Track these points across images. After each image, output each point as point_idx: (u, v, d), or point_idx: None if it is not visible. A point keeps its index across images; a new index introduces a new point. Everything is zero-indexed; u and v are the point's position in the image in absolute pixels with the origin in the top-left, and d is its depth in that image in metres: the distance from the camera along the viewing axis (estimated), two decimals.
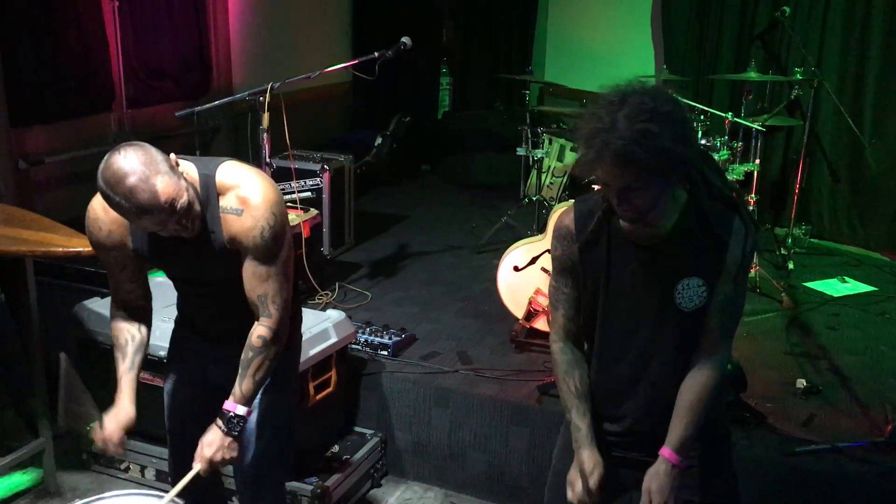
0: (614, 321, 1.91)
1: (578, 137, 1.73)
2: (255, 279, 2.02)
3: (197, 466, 2.05)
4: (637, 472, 1.91)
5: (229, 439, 2.04)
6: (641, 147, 1.63)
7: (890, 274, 4.77)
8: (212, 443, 2.04)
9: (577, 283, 1.93)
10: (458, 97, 7.51)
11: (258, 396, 2.15)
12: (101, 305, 3.30)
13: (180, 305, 2.31)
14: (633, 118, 1.64)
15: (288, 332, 2.11)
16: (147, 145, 1.88)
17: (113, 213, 1.97)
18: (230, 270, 2.03)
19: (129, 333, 2.18)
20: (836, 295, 4.41)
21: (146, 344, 2.20)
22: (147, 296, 2.23)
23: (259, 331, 2.05)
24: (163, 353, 2.87)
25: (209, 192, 1.98)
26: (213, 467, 2.05)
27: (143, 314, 2.21)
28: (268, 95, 3.42)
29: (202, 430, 2.07)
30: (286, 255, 2.05)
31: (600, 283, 1.89)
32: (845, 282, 4.60)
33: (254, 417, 2.19)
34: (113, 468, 3.30)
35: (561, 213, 1.97)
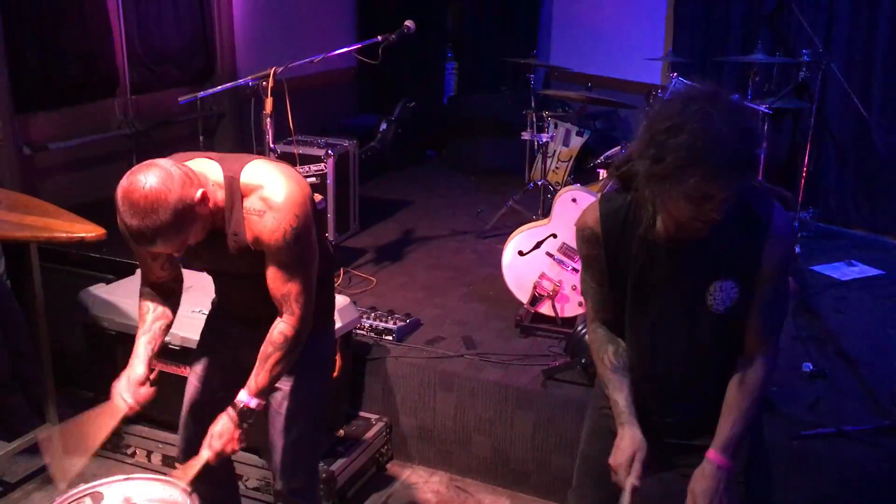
0: (644, 322, 1.87)
1: (659, 150, 1.56)
2: (279, 280, 2.01)
3: (205, 455, 2.05)
4: (678, 455, 1.89)
5: (239, 431, 2.04)
6: (744, 152, 1.55)
7: None
8: (222, 434, 2.04)
9: (603, 280, 1.89)
10: (463, 81, 7.46)
11: (292, 381, 2.16)
12: (106, 291, 3.31)
13: (216, 290, 2.31)
14: (731, 119, 1.54)
15: (310, 329, 2.10)
16: (164, 165, 1.85)
17: None
18: (256, 266, 2.03)
19: (151, 304, 2.18)
20: (843, 279, 4.39)
21: (169, 316, 2.20)
22: (178, 278, 2.24)
23: (281, 328, 2.05)
24: (174, 341, 2.90)
25: (234, 194, 1.96)
26: (221, 458, 2.05)
27: (170, 293, 2.22)
28: (271, 80, 3.39)
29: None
30: (309, 255, 2.04)
31: (628, 284, 1.84)
32: (853, 265, 4.57)
33: (288, 403, 2.20)
34: (119, 453, 3.31)
35: (584, 210, 1.90)
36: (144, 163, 1.86)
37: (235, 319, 2.26)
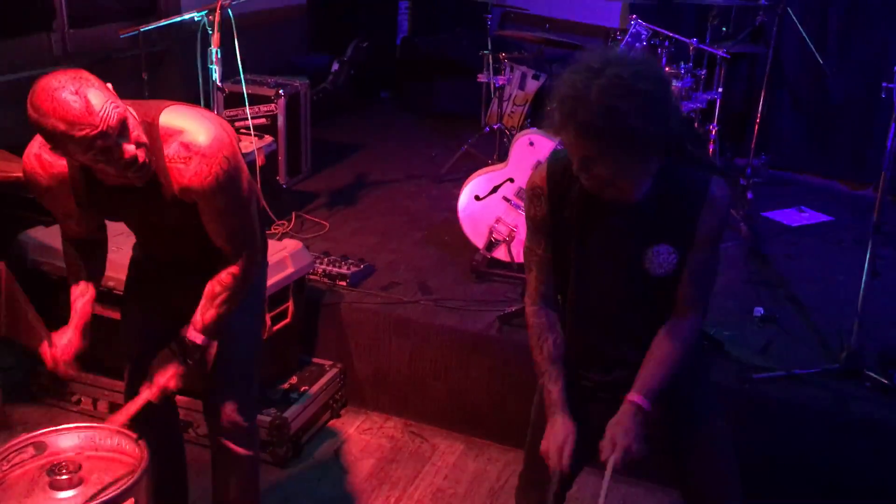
0: (586, 283, 1.89)
1: (553, 97, 1.67)
2: (217, 225, 1.93)
3: (146, 393, 1.99)
4: (602, 406, 1.92)
5: (183, 367, 1.99)
6: (605, 124, 1.57)
7: (847, 203, 4.81)
8: (165, 369, 1.98)
9: (549, 243, 1.89)
10: (417, 21, 7.29)
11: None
12: (45, 234, 3.17)
13: (140, 243, 2.21)
14: (604, 92, 1.57)
15: (258, 267, 2.04)
16: (80, 69, 1.73)
17: (51, 167, 1.86)
18: (184, 217, 1.92)
19: (80, 261, 2.08)
20: (793, 225, 4.44)
21: (99, 273, 2.12)
22: (101, 227, 2.12)
23: (230, 269, 1.98)
24: (112, 284, 2.78)
25: (153, 142, 1.82)
26: (164, 394, 1.99)
27: (95, 244, 2.12)
28: (217, 14, 3.25)
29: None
30: (245, 195, 1.95)
31: (571, 244, 1.85)
32: (803, 211, 4.63)
33: (223, 339, 2.12)
34: (64, 401, 3.23)
35: (533, 172, 1.92)
36: (65, 71, 1.71)
37: (165, 266, 2.16)
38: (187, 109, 1.89)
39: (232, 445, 2.25)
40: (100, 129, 1.67)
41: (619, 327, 1.92)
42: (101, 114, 1.67)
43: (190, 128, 1.84)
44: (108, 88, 1.74)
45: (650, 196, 1.78)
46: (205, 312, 1.99)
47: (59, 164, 1.89)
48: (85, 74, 1.71)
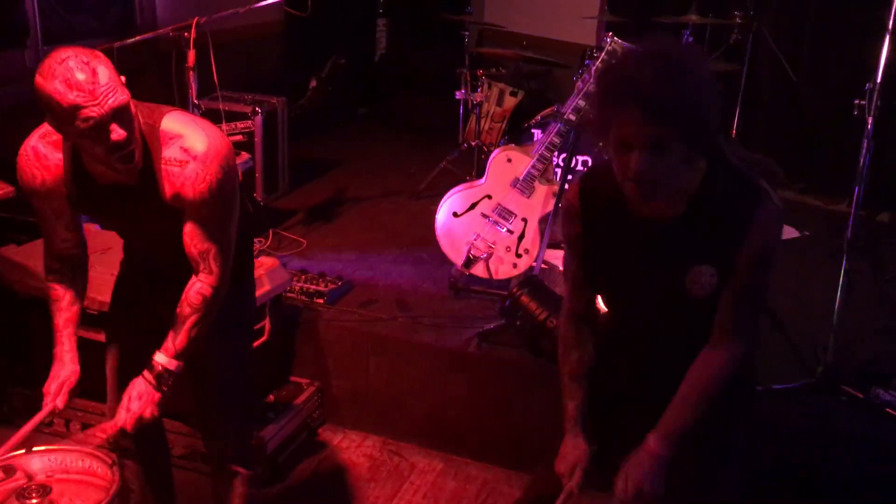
0: (621, 302, 1.84)
1: (600, 85, 1.62)
2: (197, 237, 1.90)
3: (121, 419, 1.95)
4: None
5: (158, 395, 1.94)
6: (675, 100, 1.52)
7: (822, 219, 4.86)
8: (140, 396, 1.93)
9: (584, 261, 1.86)
10: (395, 38, 7.31)
11: (217, 345, 2.06)
12: (17, 253, 3.13)
13: (125, 250, 2.18)
14: (667, 72, 1.53)
15: (227, 289, 1.99)
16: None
17: (46, 159, 1.85)
18: (169, 224, 1.90)
19: (64, 286, 2.05)
20: None
21: (83, 295, 2.09)
22: (82, 244, 2.09)
23: (198, 287, 1.93)
24: (86, 304, 2.75)
25: (152, 143, 1.82)
26: (139, 424, 1.95)
27: (78, 264, 2.09)
28: (193, 31, 3.23)
29: None
30: (232, 213, 1.93)
31: (605, 263, 1.81)
32: None
33: (215, 368, 2.12)
34: None
35: (567, 190, 1.88)
36: (84, 47, 1.72)
37: (148, 280, 2.13)
38: (190, 117, 1.90)
39: (229, 467, 2.24)
40: (98, 102, 1.68)
41: (656, 349, 1.84)
42: (103, 89, 1.68)
43: (190, 134, 1.85)
44: (119, 77, 1.75)
45: (692, 211, 1.68)
46: (175, 337, 1.95)
47: (55, 157, 1.89)
48: (102, 55, 1.72)
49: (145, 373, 1.95)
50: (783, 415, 2.83)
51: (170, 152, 1.83)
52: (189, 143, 1.83)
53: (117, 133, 1.72)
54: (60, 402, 2.00)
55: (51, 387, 2.01)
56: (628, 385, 1.91)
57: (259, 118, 4.49)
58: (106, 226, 2.07)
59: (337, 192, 4.95)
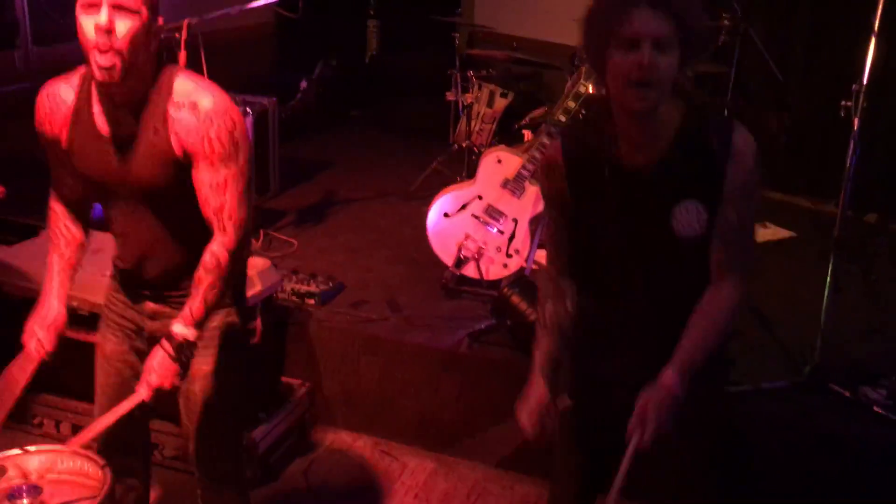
0: (607, 254, 1.82)
1: None
2: (212, 189, 1.83)
3: (141, 392, 1.88)
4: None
5: (176, 366, 1.87)
6: None
7: (810, 219, 4.89)
8: (160, 366, 1.86)
9: (565, 217, 1.85)
10: (385, 39, 7.33)
11: (206, 364, 2.02)
12: (7, 254, 3.12)
13: (118, 244, 2.11)
14: None
15: (246, 253, 1.94)
16: None
17: (57, 101, 1.87)
18: (165, 179, 1.85)
19: (65, 228, 2.02)
20: (757, 241, 4.49)
21: (79, 237, 2.05)
22: (88, 198, 2.06)
23: (214, 249, 1.87)
24: (76, 304, 2.75)
25: (162, 86, 1.80)
26: (158, 394, 1.89)
27: (80, 216, 2.05)
28: (184, 32, 3.24)
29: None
30: (246, 163, 1.87)
31: (590, 212, 1.79)
32: (766, 227, 4.69)
33: (203, 389, 2.06)
34: (25, 423, 3.15)
35: (547, 149, 1.91)
36: None
37: (140, 282, 2.06)
38: (200, 77, 1.91)
39: (218, 486, 2.21)
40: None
41: (649, 300, 1.81)
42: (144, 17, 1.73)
43: (202, 84, 1.85)
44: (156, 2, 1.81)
45: (672, 153, 1.69)
46: (193, 304, 1.88)
47: (69, 97, 1.88)
48: None
49: (164, 343, 1.87)
50: (771, 413, 2.85)
51: (179, 95, 1.81)
52: (201, 92, 1.82)
53: (107, 17, 1.71)
54: (49, 345, 1.96)
55: (34, 326, 1.95)
56: (626, 340, 1.88)
57: (250, 119, 4.48)
58: (94, 177, 1.97)
59: (328, 192, 4.96)
